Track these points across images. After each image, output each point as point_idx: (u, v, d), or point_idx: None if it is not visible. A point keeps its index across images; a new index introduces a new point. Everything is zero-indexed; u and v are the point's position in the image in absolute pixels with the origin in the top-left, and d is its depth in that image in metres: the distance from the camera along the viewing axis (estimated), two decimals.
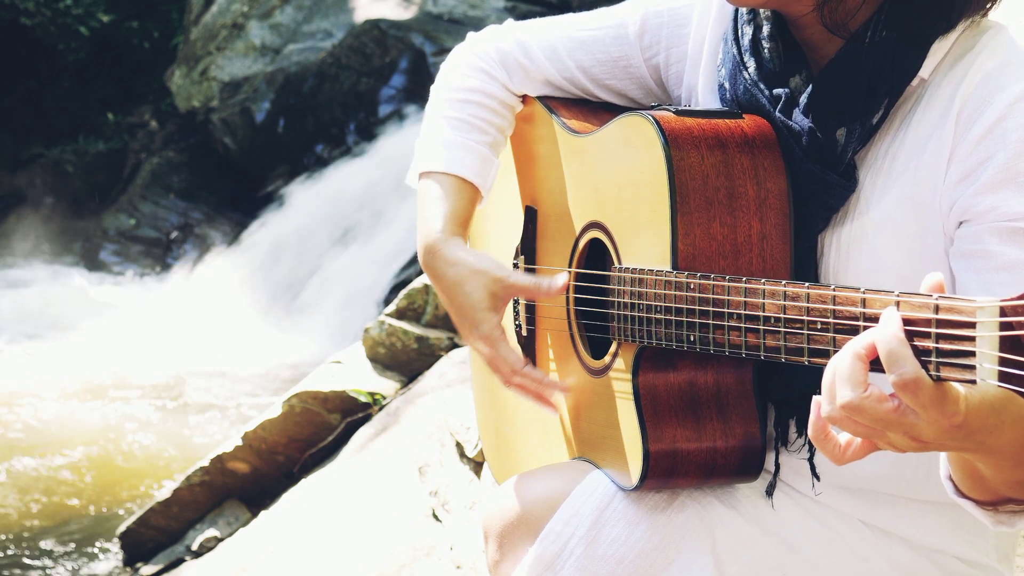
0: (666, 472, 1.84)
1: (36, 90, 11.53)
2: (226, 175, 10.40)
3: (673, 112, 1.85)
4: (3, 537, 5.48)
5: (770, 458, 1.91)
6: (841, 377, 1.39)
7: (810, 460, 1.87)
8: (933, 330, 1.33)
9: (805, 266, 1.82)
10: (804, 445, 1.88)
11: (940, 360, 1.32)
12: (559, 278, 1.99)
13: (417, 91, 9.35)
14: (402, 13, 10.08)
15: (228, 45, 10.50)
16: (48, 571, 5.16)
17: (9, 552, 5.32)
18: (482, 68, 2.15)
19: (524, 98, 2.20)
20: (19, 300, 9.59)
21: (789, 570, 1.87)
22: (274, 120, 10.03)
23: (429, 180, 2.10)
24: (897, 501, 1.87)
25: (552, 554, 1.90)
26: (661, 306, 1.79)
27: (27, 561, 5.24)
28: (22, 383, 7.69)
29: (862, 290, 1.45)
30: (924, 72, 1.77)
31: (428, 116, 2.17)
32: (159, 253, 10.34)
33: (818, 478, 1.87)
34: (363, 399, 4.69)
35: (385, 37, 9.70)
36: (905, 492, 1.86)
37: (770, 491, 1.91)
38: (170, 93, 10.91)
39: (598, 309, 1.98)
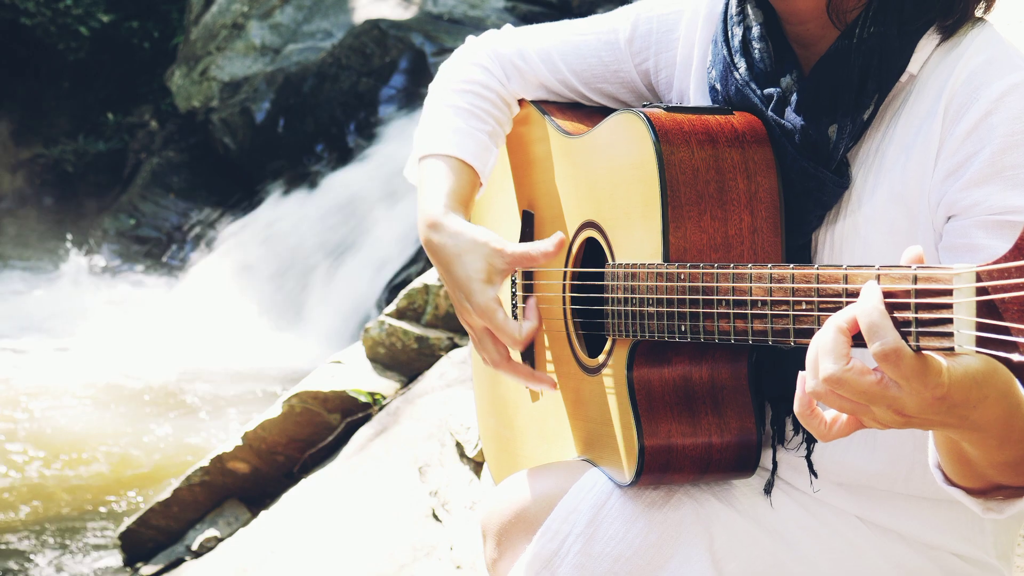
0: (661, 467, 1.84)
1: (36, 90, 11.53)
2: (226, 175, 10.40)
3: (663, 109, 1.87)
4: (3, 536, 5.47)
5: (768, 456, 1.91)
6: (824, 351, 1.39)
7: (807, 457, 1.87)
8: (912, 300, 1.33)
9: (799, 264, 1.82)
10: (802, 442, 1.88)
11: (920, 330, 1.32)
12: (555, 237, 1.98)
13: (417, 91, 9.35)
14: (402, 13, 10.08)
15: (228, 45, 10.50)
16: (48, 570, 5.16)
17: (8, 551, 5.32)
18: (482, 65, 2.20)
19: (520, 103, 2.23)
20: (18, 300, 9.60)
21: (787, 567, 1.87)
22: (274, 120, 10.03)
23: (431, 160, 2.12)
24: (894, 498, 1.87)
25: (550, 552, 1.89)
26: (653, 298, 1.79)
27: (26, 560, 5.24)
28: (22, 383, 7.69)
29: (844, 267, 1.45)
30: (913, 68, 1.78)
31: (429, 106, 2.20)
32: (159, 253, 10.34)
33: (816, 475, 1.87)
34: (363, 399, 4.69)
35: (385, 37, 9.70)
36: (902, 488, 1.86)
37: (768, 489, 1.90)
38: (170, 93, 10.91)
39: (594, 307, 1.98)
